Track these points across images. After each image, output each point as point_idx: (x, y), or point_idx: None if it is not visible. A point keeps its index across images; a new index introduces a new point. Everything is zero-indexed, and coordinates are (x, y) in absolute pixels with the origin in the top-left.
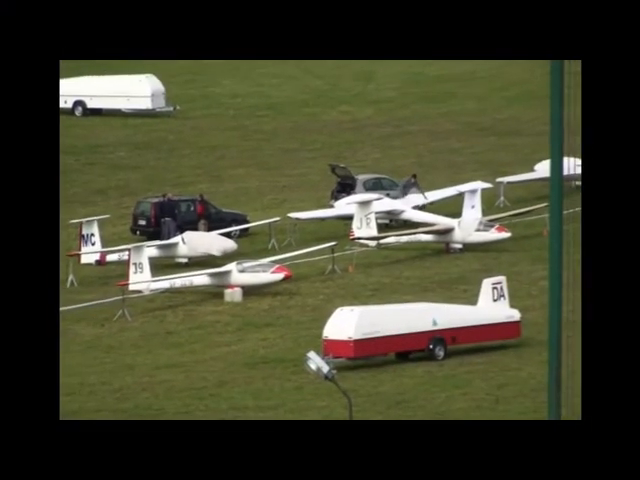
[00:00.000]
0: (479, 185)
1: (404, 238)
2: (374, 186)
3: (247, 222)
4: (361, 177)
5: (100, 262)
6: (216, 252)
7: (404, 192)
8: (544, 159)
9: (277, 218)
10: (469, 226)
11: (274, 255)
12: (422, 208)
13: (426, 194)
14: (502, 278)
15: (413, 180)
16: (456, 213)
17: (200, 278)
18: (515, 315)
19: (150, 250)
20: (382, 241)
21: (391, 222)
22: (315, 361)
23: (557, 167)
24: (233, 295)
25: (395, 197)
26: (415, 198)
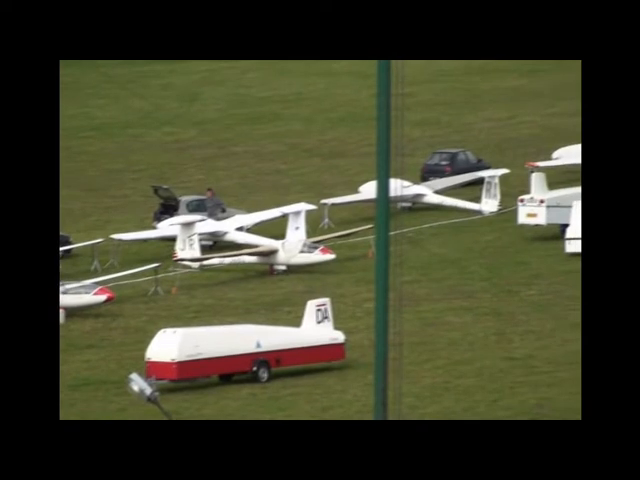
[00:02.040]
0: (303, 207)
1: (228, 260)
2: (197, 207)
3: (70, 243)
4: (184, 198)
5: None
6: None
7: (211, 212)
8: (369, 180)
9: (100, 239)
10: (293, 248)
11: (97, 277)
12: (248, 230)
13: (246, 215)
14: (326, 300)
15: (210, 195)
16: (280, 235)
17: None
18: (339, 337)
19: None
20: (205, 262)
21: (215, 244)
22: (138, 383)
23: (383, 188)
24: None
25: (219, 219)
26: (240, 218)
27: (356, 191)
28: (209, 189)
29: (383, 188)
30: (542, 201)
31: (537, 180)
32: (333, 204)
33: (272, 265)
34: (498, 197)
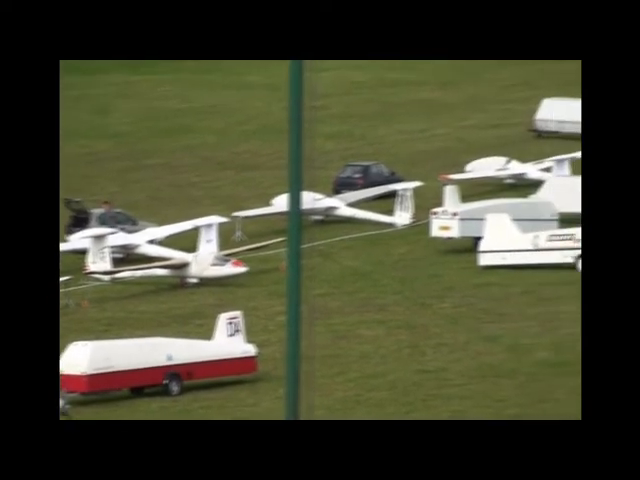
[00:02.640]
0: (215, 219)
1: (139, 272)
2: (109, 220)
3: None
4: (96, 211)
5: None
6: None
7: (101, 221)
8: (282, 193)
9: None
10: (205, 260)
11: None
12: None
13: (158, 228)
14: (238, 313)
15: (107, 208)
16: (192, 247)
17: None
18: (251, 350)
19: None
20: (117, 275)
21: (126, 257)
22: None
23: (295, 201)
24: None
25: (131, 231)
26: (152, 231)
27: (268, 204)
28: (105, 202)
29: (295, 201)
30: (455, 214)
31: (450, 193)
32: (245, 217)
33: (184, 278)
34: (411, 210)
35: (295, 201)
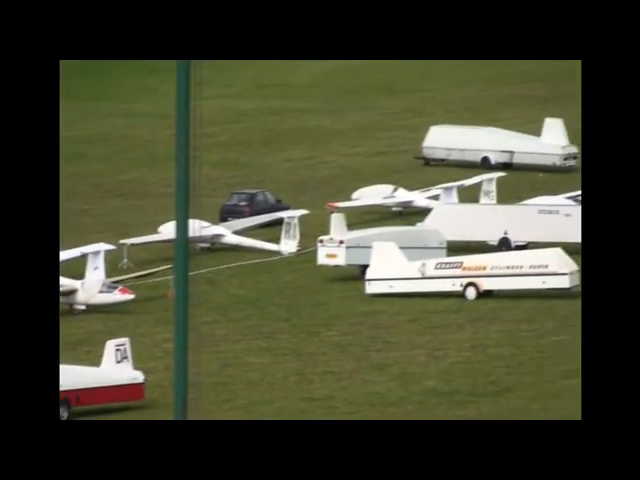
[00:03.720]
0: (102, 247)
1: None
2: None
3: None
4: None
5: None
6: None
7: None
8: (168, 221)
9: None
10: (92, 287)
11: None
12: None
13: None
14: (126, 340)
15: None
16: (79, 274)
17: None
18: (139, 377)
19: None
20: None
21: None
22: None
23: (182, 229)
24: None
25: None
26: None
27: (155, 231)
28: None
29: (182, 228)
30: (342, 242)
31: (337, 221)
32: (132, 244)
33: (71, 305)
34: (297, 238)
35: (182, 229)
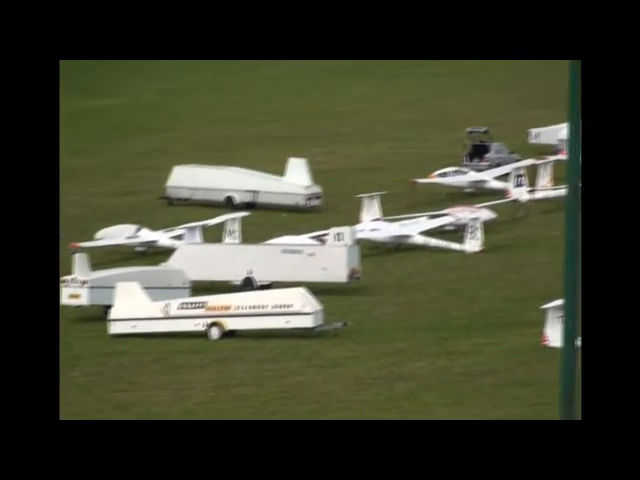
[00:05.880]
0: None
1: None
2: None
3: None
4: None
5: None
6: None
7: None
8: None
9: None
10: None
11: None
12: None
13: None
14: None
15: None
16: None
17: None
18: None
19: None
20: None
21: None
22: None
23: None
24: None
25: None
26: None
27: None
28: None
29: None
30: (85, 282)
31: (80, 261)
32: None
33: None
34: None
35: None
